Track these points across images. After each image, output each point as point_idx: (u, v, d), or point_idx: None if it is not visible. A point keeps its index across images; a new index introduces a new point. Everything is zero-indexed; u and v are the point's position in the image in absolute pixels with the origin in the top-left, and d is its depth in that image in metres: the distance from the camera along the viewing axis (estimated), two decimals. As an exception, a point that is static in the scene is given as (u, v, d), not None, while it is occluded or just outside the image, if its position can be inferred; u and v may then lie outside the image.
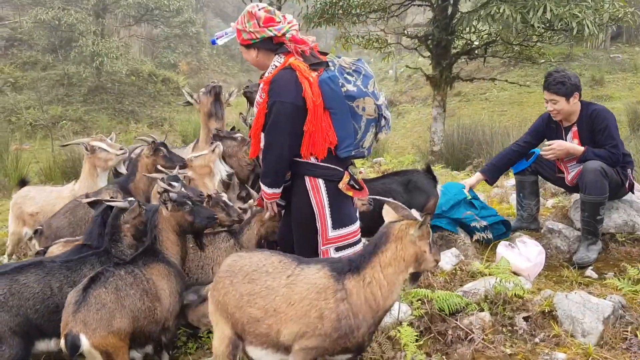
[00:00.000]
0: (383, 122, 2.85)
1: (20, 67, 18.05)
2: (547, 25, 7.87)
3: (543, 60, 10.37)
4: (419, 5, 10.41)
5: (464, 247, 3.97)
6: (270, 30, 2.71)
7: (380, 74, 26.03)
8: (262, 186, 2.84)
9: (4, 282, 2.59)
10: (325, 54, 2.87)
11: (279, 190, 2.84)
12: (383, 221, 2.38)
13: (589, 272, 3.71)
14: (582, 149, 3.83)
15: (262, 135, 2.81)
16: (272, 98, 2.67)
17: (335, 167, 2.79)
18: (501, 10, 7.50)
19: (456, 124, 11.84)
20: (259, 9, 2.74)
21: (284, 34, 2.73)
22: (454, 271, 3.62)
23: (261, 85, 2.77)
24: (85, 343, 2.32)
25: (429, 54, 9.80)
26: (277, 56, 2.76)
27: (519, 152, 4.26)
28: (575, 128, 3.97)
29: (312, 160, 2.76)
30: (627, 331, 2.93)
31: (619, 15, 8.08)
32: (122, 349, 2.44)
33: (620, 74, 19.14)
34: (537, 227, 4.34)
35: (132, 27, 21.25)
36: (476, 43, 9.96)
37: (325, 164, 2.77)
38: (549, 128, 4.16)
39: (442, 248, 3.94)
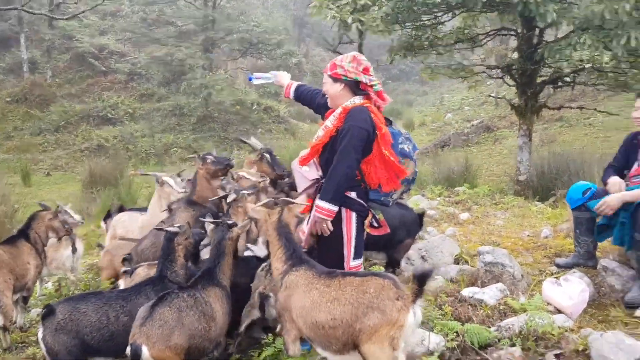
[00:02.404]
0: (412, 185, 3.30)
1: (138, 99, 20.04)
2: (633, 52, 7.57)
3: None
4: (504, 35, 10.39)
5: (512, 282, 4.06)
6: (364, 77, 3.15)
7: (481, 98, 25.66)
8: (322, 203, 3.02)
9: (67, 309, 3.10)
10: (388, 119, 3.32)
11: (337, 209, 3.07)
12: None
13: (639, 312, 3.66)
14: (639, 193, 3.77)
15: (316, 158, 3.23)
16: (350, 123, 3.05)
17: (365, 204, 3.14)
18: (582, 40, 7.38)
19: (547, 152, 11.54)
20: (363, 59, 3.20)
21: (371, 86, 3.16)
22: (496, 305, 3.74)
23: (338, 111, 3.14)
24: (145, 353, 2.80)
25: (513, 82, 9.72)
26: (357, 96, 3.18)
27: (616, 170, 4.20)
28: None
29: (352, 194, 3.12)
30: (660, 375, 2.92)
31: None
32: None
33: None
34: (594, 265, 4.30)
35: (238, 60, 22.77)
36: (567, 71, 9.71)
37: (360, 200, 3.13)
38: (631, 145, 4.15)
39: (489, 282, 4.07)
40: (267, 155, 4.59)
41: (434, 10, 9.65)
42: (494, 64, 10.46)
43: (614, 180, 3.96)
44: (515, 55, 9.80)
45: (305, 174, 3.28)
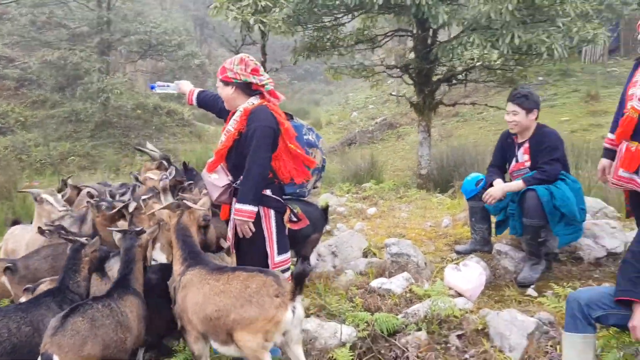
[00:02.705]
0: (323, 173, 3.38)
1: (29, 106, 18.77)
2: (517, 50, 8.18)
3: (527, 83, 10.62)
4: (401, 36, 10.84)
5: (416, 271, 4.27)
6: (254, 78, 3.17)
7: (384, 97, 26.54)
8: (242, 206, 3.05)
9: None
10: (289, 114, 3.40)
11: (257, 209, 3.10)
12: None
13: (530, 290, 3.99)
14: (519, 184, 4.11)
15: (223, 163, 3.25)
16: (254, 124, 3.07)
17: (282, 200, 3.21)
18: (471, 40, 7.87)
19: (446, 146, 12.19)
20: (250, 60, 3.21)
21: (263, 85, 3.20)
22: (403, 294, 3.93)
23: (238, 114, 3.16)
24: None
25: (411, 81, 10.17)
26: (253, 97, 3.21)
27: (498, 168, 4.53)
28: (527, 144, 4.27)
29: (267, 192, 3.16)
30: (549, 346, 3.21)
31: (589, 37, 8.39)
32: None
33: (616, 88, 19.27)
34: (490, 249, 4.62)
35: (137, 62, 21.97)
36: (459, 69, 10.28)
37: (276, 197, 3.18)
38: (506, 143, 4.48)
39: (396, 272, 4.25)
40: (165, 162, 4.53)
41: (334, 12, 9.87)
42: (393, 64, 10.90)
43: (497, 183, 4.27)
44: (412, 55, 10.26)
45: (215, 181, 3.27)
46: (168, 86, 3.80)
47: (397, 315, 3.58)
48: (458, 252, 4.77)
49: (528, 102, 4.11)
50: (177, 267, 3.10)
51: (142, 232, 3.34)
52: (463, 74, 9.91)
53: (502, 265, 4.37)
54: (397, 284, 4.01)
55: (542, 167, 4.05)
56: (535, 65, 10.03)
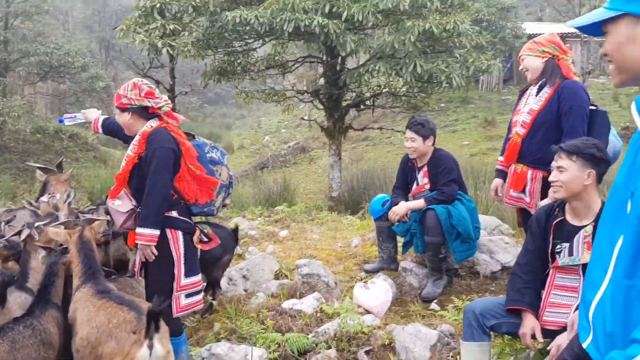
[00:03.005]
0: (230, 190, 3.44)
1: None
2: (419, 78, 8.67)
3: (429, 109, 11.23)
4: (312, 62, 11.14)
5: (327, 290, 4.36)
6: (149, 102, 3.12)
7: (296, 121, 26.90)
8: (143, 230, 2.99)
9: None
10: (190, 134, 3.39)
11: (158, 232, 3.03)
12: None
13: (433, 305, 4.19)
14: (421, 203, 4.34)
15: (125, 188, 3.18)
16: (153, 146, 3.02)
17: (190, 221, 3.18)
18: (377, 68, 8.26)
19: (356, 169, 12.55)
20: (143, 83, 3.16)
21: (159, 108, 3.15)
22: (314, 313, 3.99)
23: (137, 138, 3.11)
24: None
25: (322, 106, 10.45)
26: (152, 120, 3.16)
27: (402, 189, 4.74)
28: (426, 168, 4.52)
29: (173, 214, 3.11)
30: (450, 356, 3.39)
31: (483, 67, 9.07)
32: None
33: (510, 115, 20.72)
34: (396, 267, 4.81)
35: (37, 84, 20.87)
36: (367, 95, 10.69)
37: (183, 218, 3.15)
38: (407, 167, 4.71)
39: (307, 293, 4.32)
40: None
41: (244, 37, 9.99)
42: (304, 89, 11.14)
43: (401, 202, 4.50)
44: (322, 81, 10.56)
45: (119, 207, 3.18)
46: (75, 117, 3.75)
47: (308, 334, 3.63)
48: (366, 271, 4.93)
49: (424, 130, 4.37)
50: (75, 282, 3.10)
51: (66, 251, 3.27)
52: (371, 100, 10.32)
53: (407, 281, 4.56)
54: (307, 304, 4.07)
55: (441, 189, 4.31)
56: (436, 92, 10.65)
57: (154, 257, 3.07)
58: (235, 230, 4.43)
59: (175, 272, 3.12)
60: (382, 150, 19.38)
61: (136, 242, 3.04)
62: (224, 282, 4.64)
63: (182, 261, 3.14)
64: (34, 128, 17.92)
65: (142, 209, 3.04)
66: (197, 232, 3.24)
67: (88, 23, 34.56)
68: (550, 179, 2.75)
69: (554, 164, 2.75)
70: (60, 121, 3.65)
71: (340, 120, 10.19)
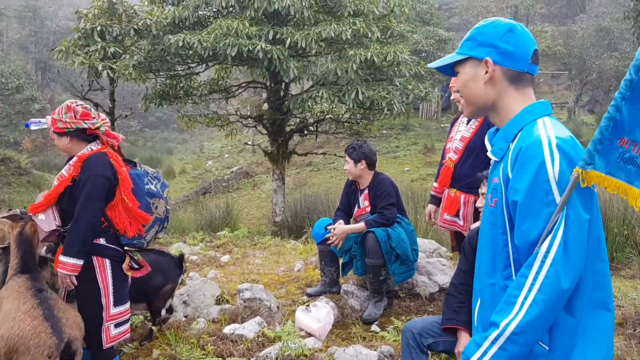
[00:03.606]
0: (166, 224, 3.33)
1: None
2: (361, 105, 8.89)
3: (371, 135, 11.48)
4: (256, 87, 11.21)
5: (269, 314, 4.35)
6: (85, 123, 3.03)
7: (240, 146, 26.78)
8: (66, 259, 2.89)
9: None
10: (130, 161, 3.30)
11: (82, 262, 2.93)
12: None
13: (374, 327, 4.25)
14: (361, 226, 4.44)
15: (55, 207, 3.06)
16: (88, 172, 2.94)
17: (119, 248, 3.11)
18: (320, 94, 8.41)
19: (299, 193, 12.62)
20: (77, 105, 3.07)
21: (97, 128, 3.07)
22: (255, 338, 3.97)
23: (74, 159, 3.03)
24: None
25: (266, 131, 10.50)
26: (93, 142, 3.09)
27: (344, 212, 4.81)
28: (366, 191, 4.63)
29: (101, 241, 3.03)
30: (390, 376, 3.44)
31: (422, 95, 9.42)
32: None
33: (448, 142, 21.45)
34: (338, 290, 4.86)
35: (-33, 105, 19.96)
36: (311, 121, 10.85)
37: (111, 245, 3.07)
38: (350, 190, 4.81)
39: (249, 317, 4.29)
40: None
41: (187, 61, 9.96)
42: (248, 114, 11.18)
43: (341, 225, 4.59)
44: (266, 106, 10.64)
45: (42, 224, 3.06)
46: (40, 122, 3.65)
47: (249, 359, 3.60)
48: (309, 295, 4.94)
49: (356, 153, 4.50)
50: (9, 273, 3.05)
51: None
52: (314, 126, 10.46)
53: (349, 304, 4.61)
54: (249, 328, 4.04)
55: (381, 212, 4.41)
56: (378, 119, 10.93)
57: (72, 287, 2.98)
58: (181, 257, 4.35)
59: (103, 301, 3.03)
60: (325, 175, 19.57)
61: (58, 270, 2.92)
62: (162, 310, 4.54)
63: (111, 290, 3.05)
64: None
65: (68, 237, 2.94)
66: (127, 259, 3.16)
67: (24, 44, 33.37)
68: (477, 204, 2.90)
69: (479, 190, 2.90)
70: (27, 125, 3.55)
71: (284, 146, 10.27)
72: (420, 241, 6.03)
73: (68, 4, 42.40)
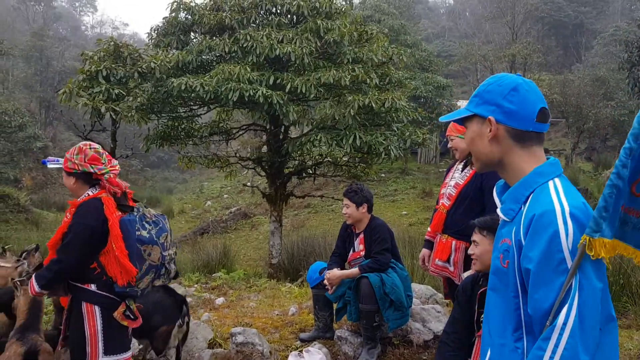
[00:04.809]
0: (163, 271, 3.20)
1: None
2: (359, 150, 9.00)
3: (369, 179, 11.56)
4: (256, 130, 11.36)
5: (262, 359, 4.31)
6: (92, 168, 3.09)
7: (239, 186, 26.85)
8: (34, 283, 3.02)
9: None
10: (136, 201, 3.30)
11: (46, 292, 3.08)
12: None
13: (367, 374, 4.21)
14: (355, 271, 4.44)
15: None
16: (75, 219, 3.00)
17: (113, 297, 3.07)
18: (318, 138, 8.54)
19: (297, 236, 12.60)
20: (90, 148, 3.14)
21: (103, 174, 3.11)
22: (247, 384, 3.92)
23: (69, 207, 3.10)
24: None
25: (264, 173, 10.59)
26: (93, 187, 3.13)
27: (339, 257, 4.79)
28: (362, 235, 4.64)
29: (92, 287, 3.03)
30: None
31: (419, 140, 9.55)
32: None
33: (446, 187, 21.53)
34: (331, 336, 4.82)
35: (-30, 143, 20.16)
36: (309, 163, 10.94)
37: (102, 292, 3.05)
38: (346, 233, 4.82)
39: (240, 363, 4.25)
40: None
41: (189, 103, 10.13)
42: (247, 156, 11.29)
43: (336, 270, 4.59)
44: (265, 148, 10.76)
45: None
46: (58, 160, 3.72)
47: (239, 406, 3.56)
48: (302, 340, 4.89)
49: (357, 197, 4.55)
50: None
51: None
52: (312, 168, 10.55)
53: (342, 350, 4.57)
54: (241, 374, 4.01)
55: (375, 257, 4.43)
56: (376, 163, 11.03)
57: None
58: (183, 301, 4.25)
59: (88, 349, 2.99)
60: (323, 217, 19.56)
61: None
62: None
63: (100, 337, 3.01)
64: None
65: (43, 269, 3.06)
66: (122, 308, 3.09)
67: (29, 82, 33.91)
68: (469, 252, 2.94)
69: (472, 237, 2.94)
70: (44, 162, 3.61)
71: (282, 188, 10.34)
72: (416, 287, 6.02)
73: (75, 45, 43.37)
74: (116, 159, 9.34)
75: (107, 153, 3.25)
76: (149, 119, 9.58)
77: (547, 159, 1.67)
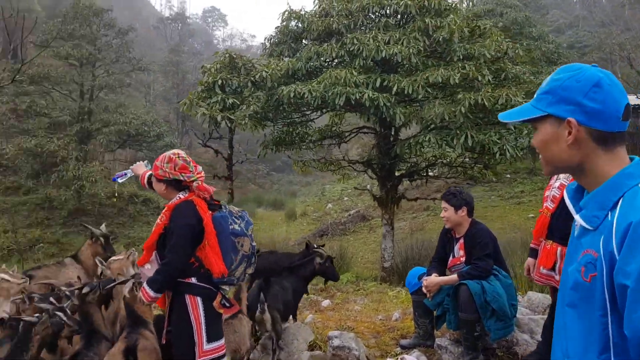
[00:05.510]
0: (253, 259, 3.45)
1: (2, 192, 18.80)
2: (471, 150, 8.62)
3: (485, 180, 11.05)
4: (366, 133, 11.36)
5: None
6: (182, 176, 3.32)
7: (358, 189, 27.01)
8: (148, 290, 3.19)
9: None
10: (218, 201, 3.52)
11: (160, 296, 3.25)
12: None
13: (468, 385, 4.00)
14: (454, 278, 4.25)
15: (154, 252, 3.33)
16: (174, 221, 3.21)
17: (211, 287, 3.28)
18: (427, 139, 8.31)
19: (410, 239, 12.38)
20: (179, 157, 3.36)
21: (192, 181, 3.34)
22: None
23: (164, 209, 3.32)
24: None
25: (375, 175, 10.54)
26: (183, 191, 3.37)
27: (439, 262, 4.67)
28: (462, 240, 4.46)
29: (192, 280, 3.24)
30: None
31: (539, 139, 8.89)
32: None
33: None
34: (432, 344, 4.65)
35: (115, 152, 22.40)
36: (422, 165, 10.71)
37: (202, 284, 3.26)
38: (446, 238, 4.66)
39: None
40: (102, 239, 4.97)
41: (302, 109, 10.39)
42: (357, 159, 11.31)
43: (434, 276, 4.42)
44: (375, 151, 10.71)
45: (147, 272, 3.36)
46: (125, 174, 4.04)
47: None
48: (402, 347, 4.79)
49: (456, 200, 4.34)
50: None
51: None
52: (425, 170, 10.31)
53: (442, 359, 4.39)
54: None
55: (476, 263, 4.20)
56: (494, 163, 10.50)
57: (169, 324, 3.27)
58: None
59: (196, 338, 3.21)
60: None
61: (140, 294, 3.23)
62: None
63: (203, 327, 3.23)
64: (110, 192, 19.13)
65: (155, 274, 3.23)
66: (219, 297, 3.33)
67: (167, 95, 37.00)
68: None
69: None
70: (114, 179, 3.94)
71: (393, 190, 10.21)
72: (532, 295, 5.64)
73: (207, 59, 46.50)
74: (233, 164, 9.85)
75: (193, 161, 3.45)
76: (265, 125, 9.99)
77: (632, 159, 1.45)
